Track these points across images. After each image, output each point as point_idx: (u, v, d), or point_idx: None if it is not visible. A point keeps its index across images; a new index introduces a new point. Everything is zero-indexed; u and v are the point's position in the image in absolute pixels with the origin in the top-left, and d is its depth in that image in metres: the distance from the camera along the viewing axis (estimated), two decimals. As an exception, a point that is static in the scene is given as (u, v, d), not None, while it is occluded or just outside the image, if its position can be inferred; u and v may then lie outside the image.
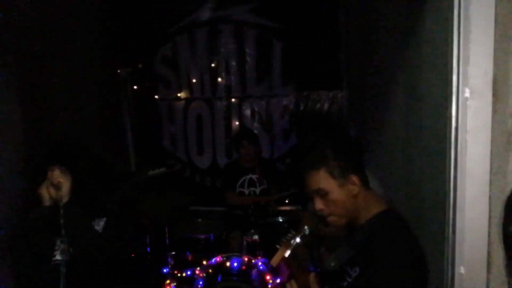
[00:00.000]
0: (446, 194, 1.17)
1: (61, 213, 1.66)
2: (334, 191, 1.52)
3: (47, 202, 1.72)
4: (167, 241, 3.44)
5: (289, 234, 1.63)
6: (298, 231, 1.61)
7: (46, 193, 1.71)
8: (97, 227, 1.87)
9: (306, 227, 1.60)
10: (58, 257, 1.79)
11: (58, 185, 1.70)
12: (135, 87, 4.65)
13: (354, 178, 1.54)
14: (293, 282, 1.59)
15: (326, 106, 4.53)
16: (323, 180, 1.52)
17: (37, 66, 3.30)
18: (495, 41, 0.92)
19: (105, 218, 1.89)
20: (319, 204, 1.56)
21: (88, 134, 3.99)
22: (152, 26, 4.57)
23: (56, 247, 1.80)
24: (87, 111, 4.07)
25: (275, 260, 1.54)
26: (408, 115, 2.39)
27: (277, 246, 1.59)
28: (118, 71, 4.46)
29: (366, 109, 3.68)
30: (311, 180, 1.55)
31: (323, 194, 1.53)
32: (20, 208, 2.88)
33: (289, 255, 1.53)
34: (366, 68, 3.62)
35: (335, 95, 4.51)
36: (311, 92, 4.55)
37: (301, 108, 4.58)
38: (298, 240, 1.56)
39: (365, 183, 1.59)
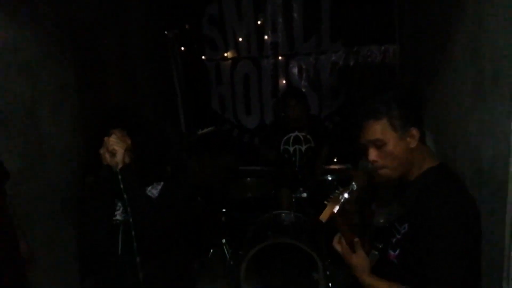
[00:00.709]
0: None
1: (119, 178, 1.74)
2: (392, 143, 1.49)
3: (107, 163, 1.79)
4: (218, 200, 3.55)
5: (336, 191, 1.62)
6: (346, 187, 1.60)
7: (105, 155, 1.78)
8: (154, 191, 1.95)
9: (354, 183, 1.59)
10: (118, 217, 1.90)
11: (113, 151, 1.76)
12: (182, 48, 4.68)
13: (414, 131, 1.51)
14: (341, 238, 1.61)
15: (377, 61, 4.36)
16: (383, 130, 1.50)
17: (88, 32, 3.39)
18: None
19: (162, 183, 1.96)
20: (373, 155, 1.53)
21: (139, 97, 4.11)
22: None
23: (118, 207, 1.90)
24: (137, 74, 4.17)
25: (324, 216, 1.55)
26: (466, 68, 2.27)
27: (325, 202, 1.59)
28: (166, 32, 4.49)
29: (421, 64, 3.52)
30: (370, 129, 1.52)
31: (380, 145, 1.51)
32: (77, 171, 3.07)
33: (337, 211, 1.53)
34: (421, 20, 3.43)
35: (387, 49, 4.32)
36: (361, 47, 4.39)
37: (351, 64, 4.44)
38: (346, 195, 1.55)
39: (422, 137, 1.55)
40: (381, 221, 1.62)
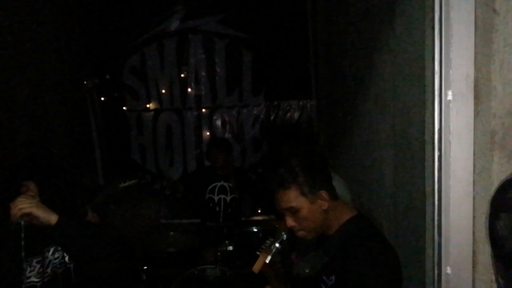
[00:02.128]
0: (429, 196, 1.19)
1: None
2: (304, 208, 1.53)
3: (15, 218, 1.61)
4: (139, 256, 3.35)
5: (267, 241, 1.62)
6: (276, 237, 1.61)
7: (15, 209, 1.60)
8: None
9: (283, 232, 1.60)
10: (33, 278, 1.70)
11: (26, 213, 1.59)
12: (102, 98, 4.55)
13: (324, 194, 1.55)
14: None
15: (296, 115, 4.58)
16: (293, 198, 1.53)
17: (2, 78, 3.18)
18: (476, 44, 0.95)
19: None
20: (290, 221, 1.57)
21: (54, 146, 3.86)
22: (119, 36, 4.49)
23: (32, 268, 1.70)
24: (53, 123, 3.94)
25: (256, 267, 1.53)
26: (378, 121, 2.44)
27: (258, 253, 1.57)
28: (85, 82, 4.35)
29: (335, 117, 3.74)
30: (281, 199, 1.56)
31: (294, 212, 1.54)
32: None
33: (269, 261, 1.52)
34: (334, 77, 3.69)
35: (305, 104, 4.57)
36: (281, 102, 4.60)
37: (272, 117, 4.61)
38: (277, 245, 1.56)
39: (333, 195, 1.60)
40: (307, 271, 1.63)
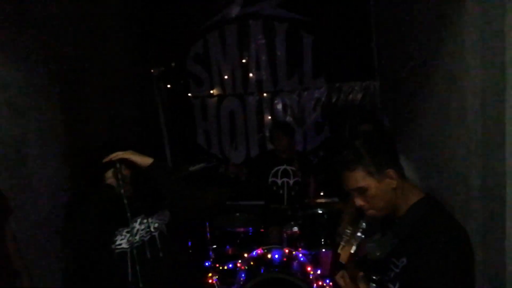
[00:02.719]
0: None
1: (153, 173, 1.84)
2: (372, 188, 1.53)
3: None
4: (208, 235, 3.51)
5: (347, 231, 1.64)
6: (355, 226, 1.62)
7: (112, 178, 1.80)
8: (162, 217, 1.97)
9: (361, 221, 1.62)
10: (124, 245, 1.89)
11: (124, 178, 1.79)
12: (168, 86, 4.74)
13: (391, 172, 1.55)
14: (344, 273, 1.61)
15: (358, 97, 4.50)
16: (360, 179, 1.54)
17: (75, 70, 3.41)
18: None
19: (166, 210, 1.99)
20: (359, 201, 1.58)
21: (125, 133, 4.10)
22: (183, 25, 4.63)
23: (122, 236, 1.88)
24: (123, 111, 4.17)
25: (343, 258, 1.56)
26: (448, 100, 2.37)
27: (342, 243, 1.60)
28: (152, 71, 4.55)
29: (400, 98, 3.65)
30: (349, 180, 1.57)
31: (362, 192, 1.55)
32: (64, 206, 3.02)
33: (355, 251, 1.55)
34: (400, 57, 3.59)
35: (368, 86, 4.48)
36: (343, 84, 4.53)
37: (333, 100, 4.57)
38: (360, 234, 1.57)
39: (401, 174, 1.59)
40: (377, 254, 1.64)
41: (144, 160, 1.90)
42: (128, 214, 1.76)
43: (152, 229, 1.96)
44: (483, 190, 1.90)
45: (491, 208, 1.84)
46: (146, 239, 1.94)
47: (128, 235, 1.91)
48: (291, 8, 4.50)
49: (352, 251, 1.54)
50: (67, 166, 3.15)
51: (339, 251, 1.60)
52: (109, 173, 1.84)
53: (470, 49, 2.01)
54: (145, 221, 1.97)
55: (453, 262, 1.41)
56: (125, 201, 1.78)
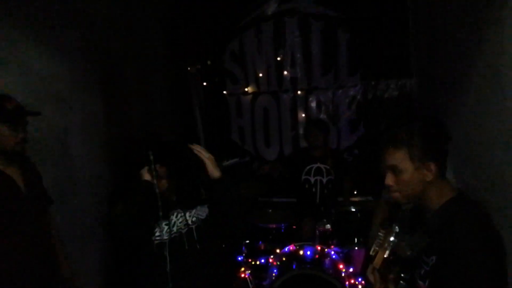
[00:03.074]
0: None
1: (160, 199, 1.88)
2: (408, 173, 1.53)
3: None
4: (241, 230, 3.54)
5: (379, 234, 1.64)
6: (388, 230, 1.62)
7: (148, 175, 1.89)
8: (201, 213, 2.06)
9: (394, 224, 1.62)
10: (165, 236, 1.97)
11: (159, 174, 1.88)
12: (204, 83, 4.83)
13: (432, 166, 1.53)
14: (375, 269, 1.61)
15: (394, 94, 4.43)
16: (400, 159, 1.53)
17: (115, 68, 3.54)
18: None
19: (206, 205, 2.06)
20: (389, 180, 1.57)
21: (162, 128, 4.22)
22: (219, 23, 4.70)
23: (160, 228, 1.97)
24: (161, 108, 4.30)
25: (377, 263, 1.57)
26: (487, 96, 2.31)
27: (375, 247, 1.61)
28: (189, 68, 4.65)
29: (438, 95, 3.58)
30: (389, 156, 1.56)
31: (397, 172, 1.55)
32: (104, 198, 3.14)
33: (388, 255, 1.55)
34: (438, 54, 3.52)
35: (404, 83, 4.40)
36: (379, 81, 4.47)
37: (369, 97, 4.52)
38: (393, 239, 1.57)
39: (442, 172, 1.57)
40: (408, 253, 1.63)
41: (215, 172, 1.98)
42: (160, 208, 1.85)
43: (189, 222, 2.04)
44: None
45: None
46: (183, 231, 2.01)
47: (166, 227, 1.99)
48: (327, 5, 4.49)
49: (385, 256, 1.54)
50: (108, 158, 3.28)
51: (371, 253, 1.61)
52: (145, 170, 1.91)
53: (511, 44, 1.95)
54: (181, 214, 2.04)
55: (483, 262, 1.39)
56: (160, 196, 1.87)
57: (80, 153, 2.98)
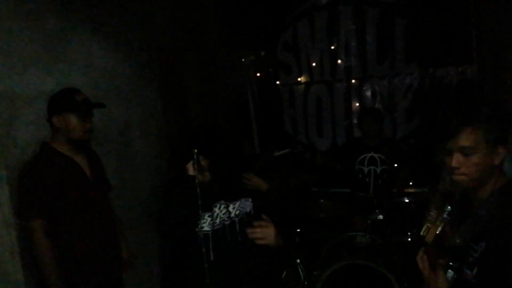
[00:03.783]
0: None
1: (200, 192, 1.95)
2: (481, 154, 1.49)
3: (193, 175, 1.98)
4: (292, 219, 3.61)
5: (431, 213, 1.63)
6: (441, 209, 1.61)
7: (192, 169, 1.96)
8: (245, 206, 2.14)
9: (446, 204, 1.60)
10: (206, 228, 2.06)
11: (202, 168, 1.97)
12: (258, 74, 4.89)
13: (501, 150, 1.50)
14: (424, 257, 1.61)
15: (454, 82, 4.24)
16: (476, 140, 1.49)
17: (174, 64, 3.69)
18: None
19: (250, 198, 2.13)
20: (457, 161, 1.53)
21: (218, 120, 4.34)
22: (272, 13, 4.72)
23: (205, 220, 2.06)
24: (216, 99, 4.42)
25: (429, 237, 1.56)
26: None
27: (428, 224, 1.60)
28: (243, 59, 4.73)
29: (500, 85, 3.41)
30: (464, 136, 1.52)
31: (469, 154, 1.51)
32: (160, 188, 3.30)
33: (440, 231, 1.54)
34: (500, 40, 3.34)
35: (464, 71, 4.20)
36: (437, 69, 4.30)
37: (426, 86, 4.37)
38: (446, 216, 1.56)
39: (503, 158, 1.53)
40: (457, 241, 1.60)
41: (261, 184, 2.25)
42: (201, 200, 1.92)
43: (233, 215, 2.09)
44: None
45: None
46: (227, 223, 2.08)
47: (209, 219, 2.06)
48: (383, -9, 4.37)
49: (437, 232, 1.53)
50: (166, 151, 3.44)
51: (422, 233, 1.59)
52: (190, 165, 1.98)
53: None
54: (224, 206, 2.10)
55: None
56: (203, 188, 1.93)
57: (139, 145, 3.16)
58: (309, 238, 3.62)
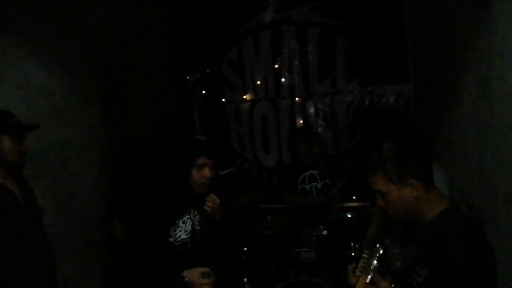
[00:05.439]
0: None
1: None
2: (393, 194, 1.53)
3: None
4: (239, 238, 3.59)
5: (363, 255, 1.66)
6: (371, 251, 1.63)
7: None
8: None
9: (378, 245, 1.63)
10: (183, 235, 2.02)
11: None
12: (203, 91, 4.88)
13: (414, 182, 1.54)
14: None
15: (392, 100, 4.44)
16: (381, 184, 1.54)
17: (117, 79, 3.59)
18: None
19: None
20: (380, 202, 1.59)
21: (162, 137, 4.25)
22: (217, 32, 4.75)
23: (180, 228, 2.02)
24: (160, 116, 4.34)
25: (360, 286, 1.58)
26: (480, 108, 2.34)
27: (358, 273, 1.62)
28: (188, 77, 4.70)
29: (435, 100, 3.60)
30: (372, 181, 1.59)
31: (383, 195, 1.57)
32: (103, 210, 3.17)
33: (369, 280, 1.57)
34: (434, 57, 3.54)
35: (402, 88, 4.41)
36: (376, 87, 4.49)
37: (366, 103, 4.54)
38: (375, 263, 1.59)
39: (427, 184, 1.58)
40: (398, 264, 1.64)
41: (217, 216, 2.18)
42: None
43: (202, 220, 2.11)
44: (509, 196, 1.87)
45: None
46: (198, 228, 2.07)
47: (184, 225, 2.03)
48: (324, 12, 4.52)
49: (367, 281, 1.55)
50: (108, 170, 3.32)
51: (348, 280, 1.62)
52: None
53: (499, 55, 1.98)
54: (197, 212, 2.11)
55: (474, 274, 1.40)
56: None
57: (79, 166, 3.03)
58: (257, 255, 3.61)
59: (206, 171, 2.01)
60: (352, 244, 3.29)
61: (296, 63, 4.66)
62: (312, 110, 4.70)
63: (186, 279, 1.89)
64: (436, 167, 2.16)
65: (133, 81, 3.83)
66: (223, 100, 4.91)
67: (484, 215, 2.20)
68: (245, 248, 3.61)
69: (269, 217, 3.88)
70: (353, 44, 4.50)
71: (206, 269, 1.92)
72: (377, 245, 1.60)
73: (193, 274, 1.90)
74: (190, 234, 2.03)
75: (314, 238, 3.42)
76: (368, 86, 4.52)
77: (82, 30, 3.15)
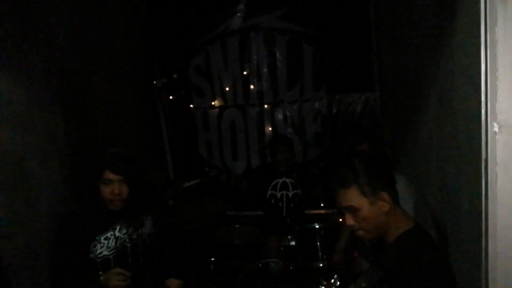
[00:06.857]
0: (480, 218, 1.19)
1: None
2: (364, 209, 1.55)
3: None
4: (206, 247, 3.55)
5: (320, 287, 1.66)
6: (329, 283, 1.64)
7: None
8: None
9: (336, 276, 1.64)
10: (105, 252, 1.93)
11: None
12: (170, 97, 4.80)
13: (385, 195, 1.55)
14: None
15: (359, 108, 4.51)
16: (353, 197, 1.55)
17: (78, 84, 3.46)
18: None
19: (150, 217, 2.05)
20: (349, 220, 1.59)
21: (128, 144, 4.16)
22: (185, 37, 4.68)
23: (101, 244, 1.93)
24: (126, 122, 4.24)
25: None
26: (441, 120, 2.38)
27: None
28: (154, 82, 4.61)
29: (399, 110, 3.67)
30: (341, 197, 1.58)
31: (354, 211, 1.57)
32: (62, 212, 3.06)
33: None
34: (398, 69, 3.61)
35: (368, 97, 4.49)
36: (343, 95, 4.54)
37: (334, 111, 4.59)
38: None
39: (395, 199, 1.60)
40: (363, 285, 1.65)
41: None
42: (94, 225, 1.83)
43: (134, 236, 1.99)
44: (471, 211, 1.92)
45: (479, 231, 1.85)
46: (128, 245, 1.98)
47: (106, 242, 1.94)
48: (292, 20, 4.53)
49: None
50: (70, 179, 3.20)
51: None
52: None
53: (460, 70, 2.02)
54: (124, 226, 2.00)
55: None
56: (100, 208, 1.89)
57: (38, 176, 2.90)
58: (224, 266, 3.57)
59: (114, 188, 1.92)
60: (320, 254, 3.31)
61: (264, 70, 4.65)
62: (280, 117, 4.71)
63: (101, 277, 1.85)
64: (401, 179, 2.19)
65: (96, 87, 3.71)
66: (191, 106, 4.84)
67: (447, 230, 2.25)
68: (212, 259, 3.57)
69: (237, 225, 3.86)
70: (320, 52, 4.53)
71: (121, 270, 1.87)
72: (335, 276, 1.61)
73: (108, 273, 1.87)
74: (113, 251, 1.95)
75: (282, 248, 3.42)
76: (336, 94, 4.56)
77: (42, 36, 3.02)
